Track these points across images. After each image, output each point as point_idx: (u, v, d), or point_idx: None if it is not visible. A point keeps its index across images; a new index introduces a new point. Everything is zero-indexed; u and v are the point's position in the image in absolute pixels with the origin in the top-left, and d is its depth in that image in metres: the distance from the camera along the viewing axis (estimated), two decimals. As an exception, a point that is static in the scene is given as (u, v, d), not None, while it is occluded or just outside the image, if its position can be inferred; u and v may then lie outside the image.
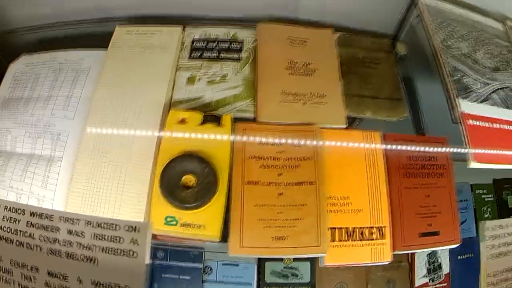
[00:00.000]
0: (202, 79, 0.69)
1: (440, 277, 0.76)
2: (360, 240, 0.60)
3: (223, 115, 0.63)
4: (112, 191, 0.57)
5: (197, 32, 0.75)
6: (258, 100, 0.67)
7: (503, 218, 0.77)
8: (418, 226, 0.62)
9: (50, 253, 0.37)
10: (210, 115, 0.63)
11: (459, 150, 0.61)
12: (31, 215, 0.37)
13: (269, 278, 0.76)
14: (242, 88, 0.69)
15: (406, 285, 0.74)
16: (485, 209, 0.85)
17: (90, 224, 0.37)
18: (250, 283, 0.75)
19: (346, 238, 0.60)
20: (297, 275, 0.82)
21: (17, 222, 0.38)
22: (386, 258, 0.60)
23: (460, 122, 0.60)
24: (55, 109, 0.65)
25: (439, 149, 0.65)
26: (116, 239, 0.37)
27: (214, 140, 0.60)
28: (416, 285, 0.74)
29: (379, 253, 0.60)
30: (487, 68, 0.70)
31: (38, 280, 0.36)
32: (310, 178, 0.61)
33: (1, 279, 0.37)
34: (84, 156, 0.59)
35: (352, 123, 0.73)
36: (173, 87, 0.68)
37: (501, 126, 0.62)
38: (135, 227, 0.36)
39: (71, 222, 0.37)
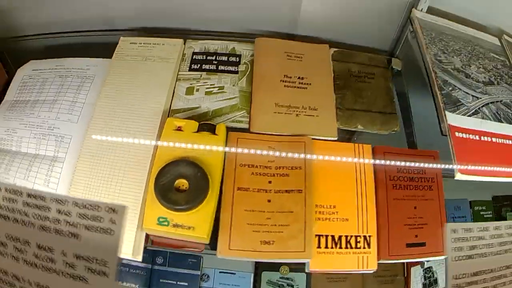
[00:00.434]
0: (201, 89, 0.72)
1: (436, 292, 0.75)
2: (346, 248, 0.61)
3: (218, 124, 0.65)
4: (110, 191, 0.60)
5: (197, 45, 0.78)
6: (252, 110, 0.70)
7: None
8: (405, 236, 0.62)
9: (41, 229, 0.42)
10: (205, 124, 0.65)
11: (445, 166, 0.62)
12: (27, 196, 0.42)
13: (265, 288, 0.76)
14: (239, 99, 0.71)
15: (401, 299, 0.74)
16: (483, 226, 0.84)
17: (77, 205, 0.42)
18: (246, 292, 0.75)
19: (332, 246, 0.61)
20: (292, 286, 0.82)
21: (15, 202, 0.42)
22: (371, 266, 0.61)
23: (448, 135, 0.61)
24: (60, 113, 0.67)
25: (426, 164, 0.66)
26: (97, 219, 0.41)
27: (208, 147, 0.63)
28: (412, 299, 0.73)
29: (364, 262, 0.61)
30: (480, 82, 0.71)
31: (29, 252, 0.41)
32: (299, 186, 0.63)
33: (-2, 251, 0.42)
34: (85, 157, 0.62)
35: (350, 138, 0.75)
36: (172, 96, 0.71)
37: (489, 139, 0.62)
38: (114, 208, 0.41)
39: (61, 202, 0.42)
